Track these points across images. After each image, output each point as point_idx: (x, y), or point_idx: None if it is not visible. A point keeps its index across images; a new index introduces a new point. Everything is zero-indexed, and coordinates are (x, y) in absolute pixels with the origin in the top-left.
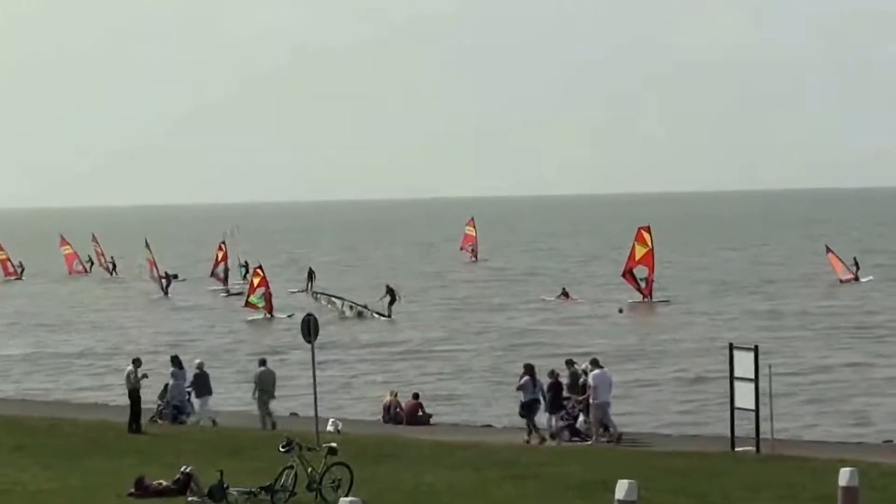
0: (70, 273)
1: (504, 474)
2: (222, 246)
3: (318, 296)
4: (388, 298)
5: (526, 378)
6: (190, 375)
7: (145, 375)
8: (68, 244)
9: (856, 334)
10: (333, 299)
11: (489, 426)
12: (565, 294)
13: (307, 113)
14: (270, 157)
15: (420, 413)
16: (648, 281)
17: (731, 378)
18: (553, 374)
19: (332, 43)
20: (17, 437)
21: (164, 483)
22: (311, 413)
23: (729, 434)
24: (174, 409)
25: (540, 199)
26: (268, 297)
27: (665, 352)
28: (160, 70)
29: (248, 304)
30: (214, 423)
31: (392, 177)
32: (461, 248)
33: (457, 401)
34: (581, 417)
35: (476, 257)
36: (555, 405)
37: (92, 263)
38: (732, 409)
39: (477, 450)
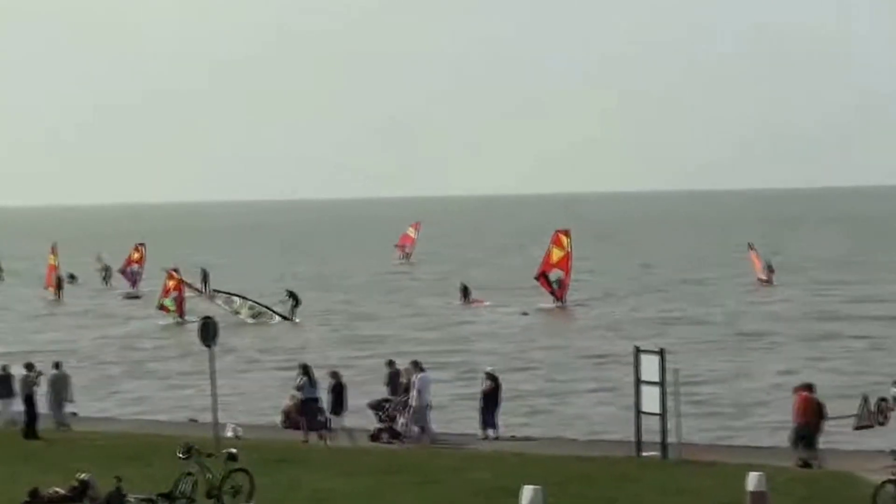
0: None
1: (408, 480)
2: (139, 248)
3: (217, 293)
4: (290, 302)
5: (303, 378)
6: None
7: (40, 373)
8: None
9: (760, 340)
10: (232, 297)
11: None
12: (466, 296)
13: None
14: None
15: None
16: (563, 284)
17: (637, 382)
18: (335, 375)
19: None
20: None
21: (60, 491)
22: (210, 419)
23: (634, 439)
24: None
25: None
26: (179, 300)
27: (567, 355)
28: None
29: (161, 307)
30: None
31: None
32: (395, 246)
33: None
34: (400, 419)
35: (408, 258)
36: (337, 405)
37: None
38: (638, 413)
39: (379, 455)
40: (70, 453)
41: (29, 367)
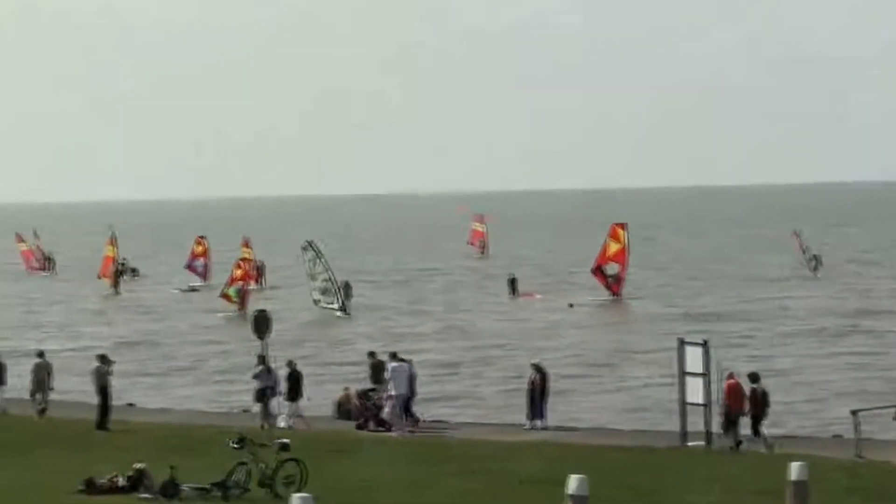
0: (28, 270)
1: (453, 470)
2: (201, 241)
3: (309, 246)
4: (343, 294)
5: (261, 367)
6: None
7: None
8: (24, 241)
9: (809, 333)
10: (320, 259)
11: (443, 422)
12: (514, 289)
13: None
14: None
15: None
16: (619, 278)
17: (681, 373)
18: (290, 364)
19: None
20: None
21: (117, 478)
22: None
23: (679, 429)
24: None
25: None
26: (244, 293)
27: (614, 347)
28: None
29: (224, 295)
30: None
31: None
32: (468, 243)
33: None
34: (386, 408)
35: (483, 252)
36: (293, 393)
37: (50, 261)
38: (682, 403)
39: (429, 445)
40: (126, 443)
41: (102, 358)
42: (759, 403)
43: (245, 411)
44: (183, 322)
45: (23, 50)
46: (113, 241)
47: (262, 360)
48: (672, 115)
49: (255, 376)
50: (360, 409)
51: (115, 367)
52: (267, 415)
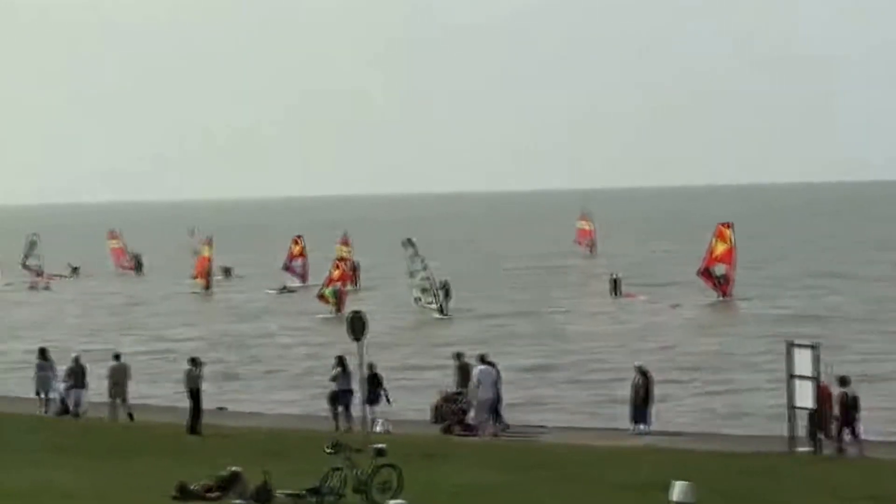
0: (118, 268)
1: (551, 475)
2: (298, 240)
3: (410, 242)
4: (442, 294)
5: (338, 369)
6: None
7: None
8: (117, 238)
9: None
10: (418, 255)
11: (544, 426)
12: (616, 289)
13: None
14: None
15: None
16: (728, 279)
17: (790, 376)
18: (370, 367)
19: None
20: (59, 438)
21: (208, 484)
22: (359, 413)
23: (787, 434)
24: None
25: None
26: (341, 294)
27: (724, 350)
28: None
29: (321, 296)
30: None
31: None
32: (577, 242)
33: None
34: (472, 412)
35: (591, 250)
36: (371, 397)
37: (138, 261)
38: (791, 408)
39: (522, 450)
40: (220, 448)
41: (193, 361)
42: (848, 408)
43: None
44: (277, 324)
45: (4, 46)
46: (209, 242)
47: (340, 361)
48: (660, 114)
49: (332, 378)
50: (446, 413)
51: (205, 370)
52: (348, 417)
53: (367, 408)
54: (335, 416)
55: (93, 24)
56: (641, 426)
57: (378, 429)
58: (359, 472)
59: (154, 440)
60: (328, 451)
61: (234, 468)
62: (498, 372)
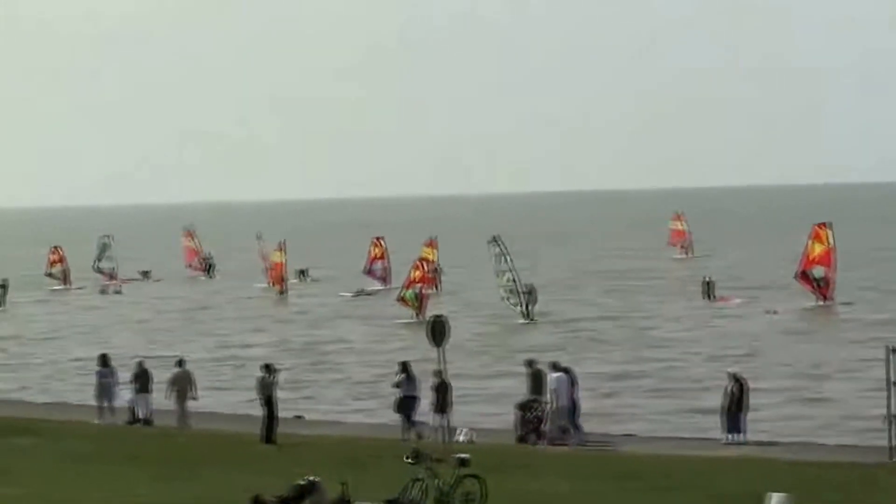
0: (189, 269)
1: (643, 486)
2: (379, 242)
3: (495, 240)
4: (527, 298)
5: (402, 375)
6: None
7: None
8: (192, 236)
9: None
10: (506, 257)
11: (636, 435)
12: (710, 293)
13: None
14: None
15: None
16: (828, 281)
17: (889, 383)
18: (438, 374)
19: None
20: (130, 447)
21: (284, 495)
22: (430, 422)
23: (887, 444)
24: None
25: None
26: (422, 297)
27: (822, 356)
28: None
29: (401, 298)
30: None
31: None
32: (671, 244)
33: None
34: (547, 421)
35: (687, 252)
36: (440, 404)
37: (210, 264)
38: (890, 416)
39: (612, 461)
40: (295, 458)
41: (267, 367)
42: None
43: (421, 423)
44: (355, 329)
45: (6, 55)
46: (282, 247)
47: (404, 367)
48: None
49: (396, 385)
50: (523, 422)
51: (279, 377)
52: (410, 426)
53: (437, 416)
54: (405, 424)
55: (92, 35)
56: (735, 435)
57: (461, 438)
58: (441, 483)
59: (227, 450)
60: (408, 460)
61: (311, 478)
62: (574, 379)
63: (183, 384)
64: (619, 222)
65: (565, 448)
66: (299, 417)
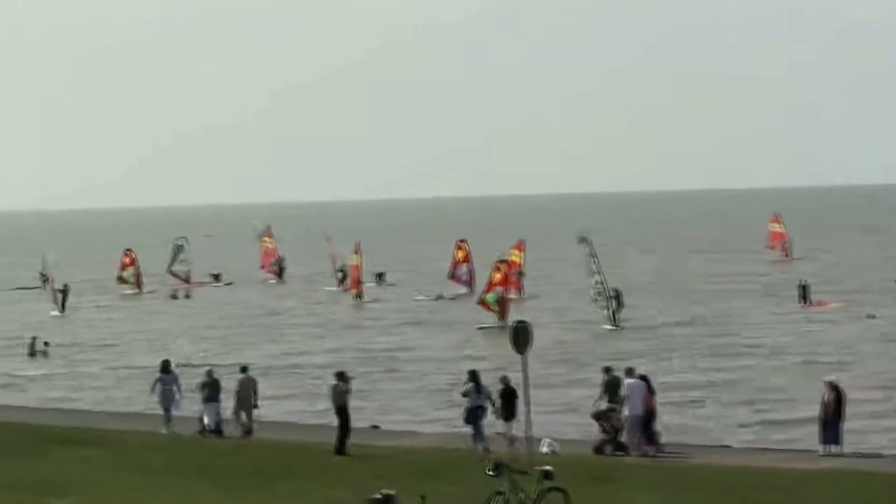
0: (263, 271)
1: (735, 500)
2: (463, 245)
3: (585, 241)
4: (613, 303)
5: (470, 384)
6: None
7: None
8: (271, 237)
9: None
10: (596, 257)
11: (726, 446)
12: (805, 297)
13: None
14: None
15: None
16: None
17: None
18: (504, 381)
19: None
20: (199, 458)
21: None
22: (524, 432)
23: None
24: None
25: None
26: (504, 301)
27: None
28: None
29: (482, 302)
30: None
31: None
32: (770, 247)
33: (688, 414)
34: (624, 430)
35: (787, 255)
36: (508, 412)
37: (282, 266)
38: None
39: (706, 472)
40: (370, 470)
41: (340, 375)
42: None
43: (499, 434)
44: (434, 334)
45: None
46: (357, 249)
47: (473, 376)
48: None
49: (465, 394)
50: (601, 431)
51: (353, 385)
52: (480, 436)
53: (503, 424)
54: (474, 435)
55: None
56: (832, 447)
57: (544, 449)
58: (523, 496)
59: (299, 461)
60: (490, 472)
61: (386, 491)
62: (651, 386)
63: (247, 391)
64: (708, 222)
65: (650, 459)
66: (375, 427)
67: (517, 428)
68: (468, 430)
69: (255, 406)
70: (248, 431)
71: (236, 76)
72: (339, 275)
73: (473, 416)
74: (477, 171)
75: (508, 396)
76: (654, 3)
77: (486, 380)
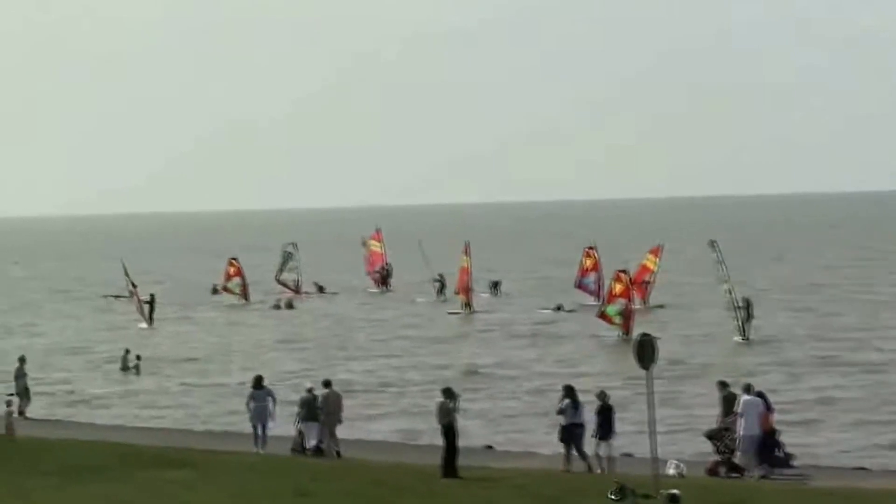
0: (368, 276)
1: None
2: (591, 252)
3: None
4: (744, 312)
5: (566, 401)
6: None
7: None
8: (380, 241)
9: None
10: (722, 262)
11: (863, 468)
12: None
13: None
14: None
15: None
16: None
17: None
18: (602, 397)
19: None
20: (296, 480)
21: None
22: (648, 453)
23: None
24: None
25: None
26: (628, 313)
27: None
28: None
29: (602, 314)
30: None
31: None
32: None
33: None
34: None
35: None
36: (604, 430)
37: (388, 275)
38: None
39: (846, 497)
40: (482, 494)
41: (448, 392)
42: None
43: (626, 455)
44: (554, 347)
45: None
46: (467, 250)
47: (570, 392)
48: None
49: (560, 412)
50: (716, 451)
51: (462, 403)
52: (581, 455)
53: (599, 444)
54: (568, 454)
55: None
56: None
57: (671, 471)
58: None
59: (403, 484)
60: (612, 496)
61: None
62: (768, 404)
63: (333, 406)
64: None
65: (784, 482)
66: (490, 448)
67: (612, 448)
68: (563, 450)
69: (339, 421)
70: (335, 452)
71: (257, 83)
72: (437, 284)
73: (570, 434)
74: (492, 177)
75: (605, 413)
76: (665, 13)
77: (624, 397)
